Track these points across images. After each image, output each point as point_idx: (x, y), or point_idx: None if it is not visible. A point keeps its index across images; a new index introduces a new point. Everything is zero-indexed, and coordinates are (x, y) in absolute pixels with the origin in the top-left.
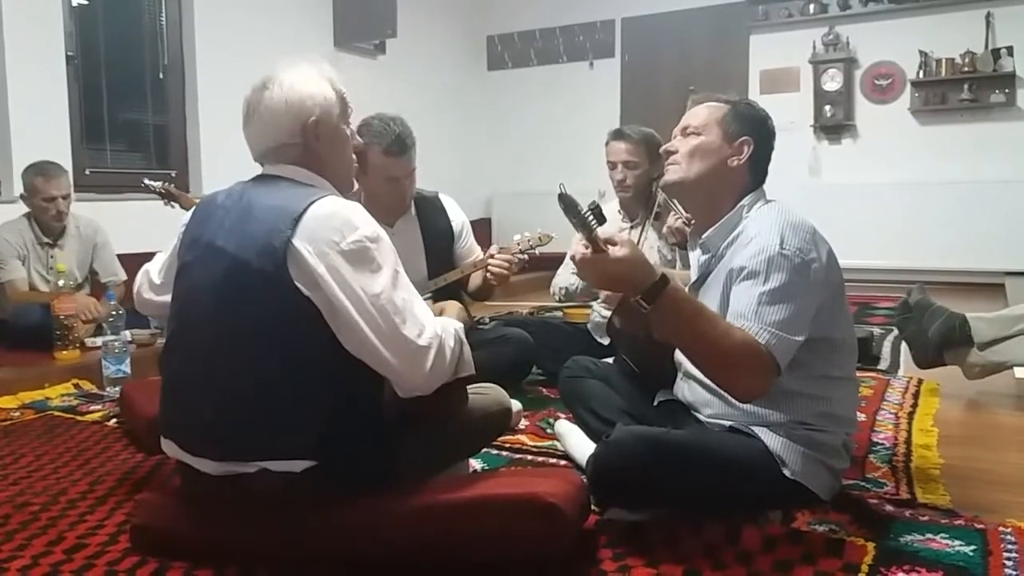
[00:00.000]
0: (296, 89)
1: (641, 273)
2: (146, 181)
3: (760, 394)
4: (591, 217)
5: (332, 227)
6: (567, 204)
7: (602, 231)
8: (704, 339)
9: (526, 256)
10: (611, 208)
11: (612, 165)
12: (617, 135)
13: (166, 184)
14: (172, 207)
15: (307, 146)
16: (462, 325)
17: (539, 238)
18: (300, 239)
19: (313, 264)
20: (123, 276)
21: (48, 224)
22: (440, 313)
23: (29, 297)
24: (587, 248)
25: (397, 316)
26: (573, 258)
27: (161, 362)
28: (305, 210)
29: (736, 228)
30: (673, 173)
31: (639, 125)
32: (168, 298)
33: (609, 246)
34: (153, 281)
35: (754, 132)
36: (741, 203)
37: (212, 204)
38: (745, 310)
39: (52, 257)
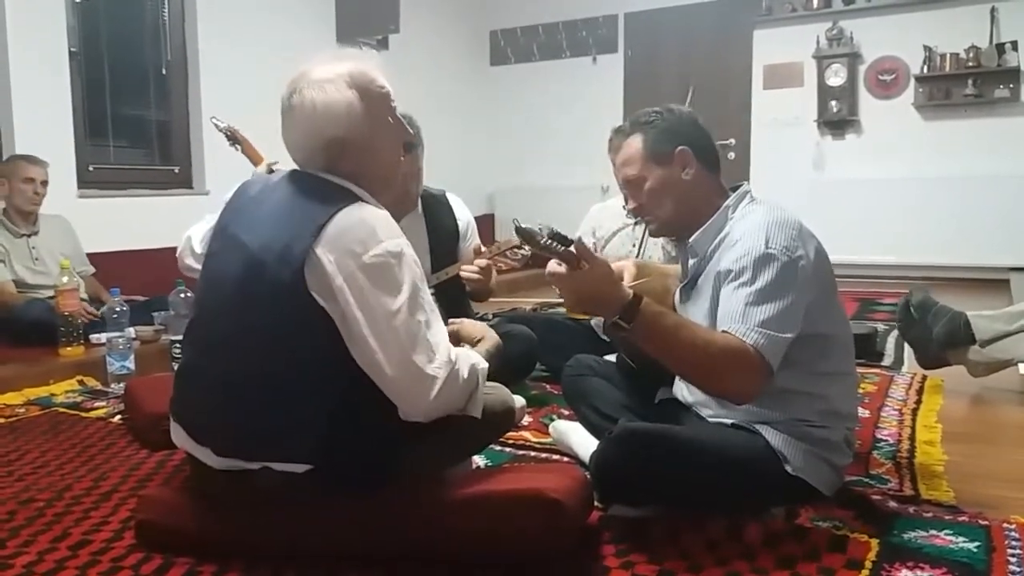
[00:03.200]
0: (317, 106)
1: (615, 293)
2: (213, 120)
3: (755, 395)
4: (552, 243)
5: (356, 238)
6: (525, 236)
7: (604, 230)
8: (688, 351)
9: (528, 251)
10: (615, 204)
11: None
12: (620, 133)
13: (232, 125)
14: (236, 149)
15: (331, 162)
16: (487, 366)
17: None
18: (322, 248)
19: (332, 274)
20: (92, 268)
21: (22, 208)
22: (477, 341)
23: (20, 298)
24: (560, 266)
25: (409, 340)
26: (551, 275)
27: (182, 345)
28: (331, 218)
29: (722, 230)
30: (653, 224)
31: (631, 116)
32: None
33: (584, 263)
34: (195, 249)
35: (680, 136)
36: (725, 204)
37: (246, 195)
38: (732, 312)
39: (34, 248)
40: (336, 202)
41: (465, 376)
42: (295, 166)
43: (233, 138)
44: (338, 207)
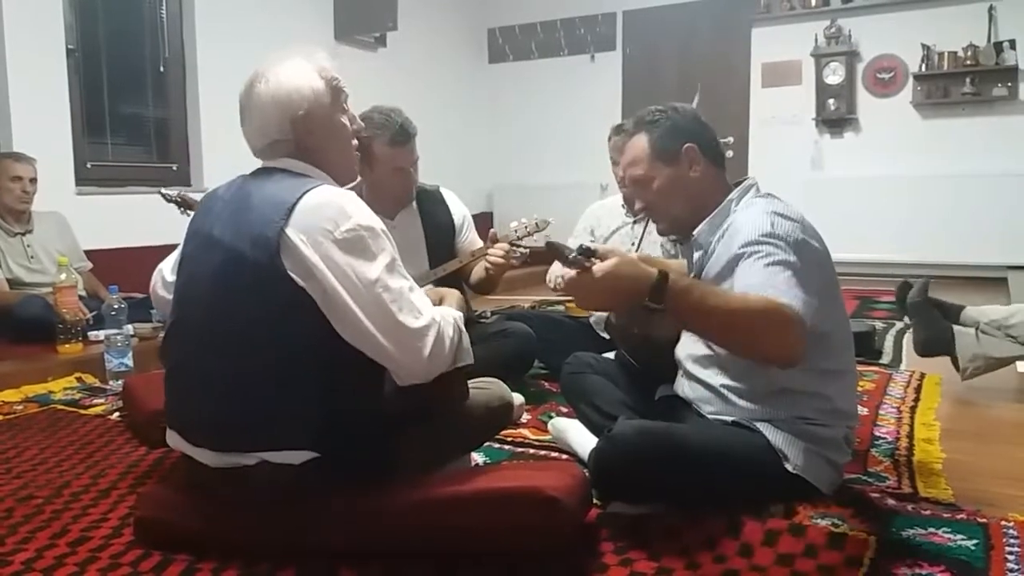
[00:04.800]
0: (283, 84)
1: (636, 280)
2: (163, 191)
3: (797, 354)
4: (581, 259)
5: (326, 216)
6: (555, 251)
7: (603, 228)
8: (725, 317)
9: (527, 249)
10: (614, 203)
11: (616, 161)
12: (619, 131)
13: (182, 192)
14: (188, 215)
15: (299, 141)
16: (461, 315)
17: (536, 224)
18: (293, 228)
19: (307, 254)
20: (89, 264)
21: (12, 208)
22: (439, 301)
23: (14, 295)
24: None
25: (393, 303)
26: (557, 288)
27: (162, 353)
28: (298, 200)
29: (725, 221)
30: (661, 222)
31: (635, 115)
32: None
33: (595, 261)
34: (166, 279)
35: (686, 133)
36: (729, 197)
37: (213, 197)
38: (754, 280)
39: (29, 246)
40: (302, 185)
41: (450, 334)
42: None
43: (184, 203)
44: (305, 189)
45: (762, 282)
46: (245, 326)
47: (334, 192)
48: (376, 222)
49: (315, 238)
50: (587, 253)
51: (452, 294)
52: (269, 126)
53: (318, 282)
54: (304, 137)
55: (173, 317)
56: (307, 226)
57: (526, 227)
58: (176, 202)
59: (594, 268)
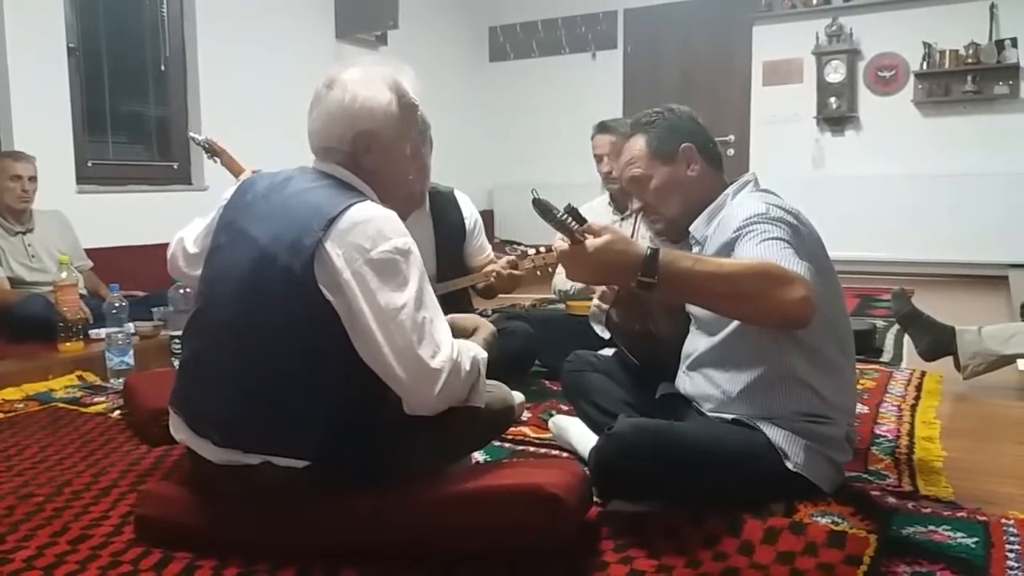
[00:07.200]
0: (357, 98)
1: (628, 255)
2: (191, 134)
3: (811, 308)
4: (568, 218)
5: (365, 234)
6: (542, 209)
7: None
8: (723, 281)
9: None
10: (601, 201)
11: (599, 159)
12: (601, 128)
13: (210, 138)
14: (215, 162)
15: (355, 156)
16: (486, 355)
17: (555, 255)
18: (331, 242)
19: (339, 268)
20: (90, 263)
21: (12, 207)
22: (473, 330)
23: (15, 294)
24: (565, 243)
25: (415, 334)
26: (559, 253)
27: (183, 337)
28: (341, 212)
29: (720, 212)
30: (659, 223)
31: (632, 117)
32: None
33: (588, 236)
34: (188, 250)
35: (683, 133)
36: (726, 191)
37: (253, 190)
38: (750, 255)
39: (30, 245)
40: (346, 198)
41: (467, 368)
42: (278, 168)
43: (211, 150)
44: (349, 203)
45: (759, 256)
46: (266, 329)
47: (377, 210)
48: (413, 246)
49: (350, 254)
50: (574, 214)
51: (485, 327)
52: (330, 133)
53: (345, 298)
54: (361, 154)
55: (197, 305)
56: (344, 241)
57: (543, 258)
58: (204, 147)
59: (587, 243)
